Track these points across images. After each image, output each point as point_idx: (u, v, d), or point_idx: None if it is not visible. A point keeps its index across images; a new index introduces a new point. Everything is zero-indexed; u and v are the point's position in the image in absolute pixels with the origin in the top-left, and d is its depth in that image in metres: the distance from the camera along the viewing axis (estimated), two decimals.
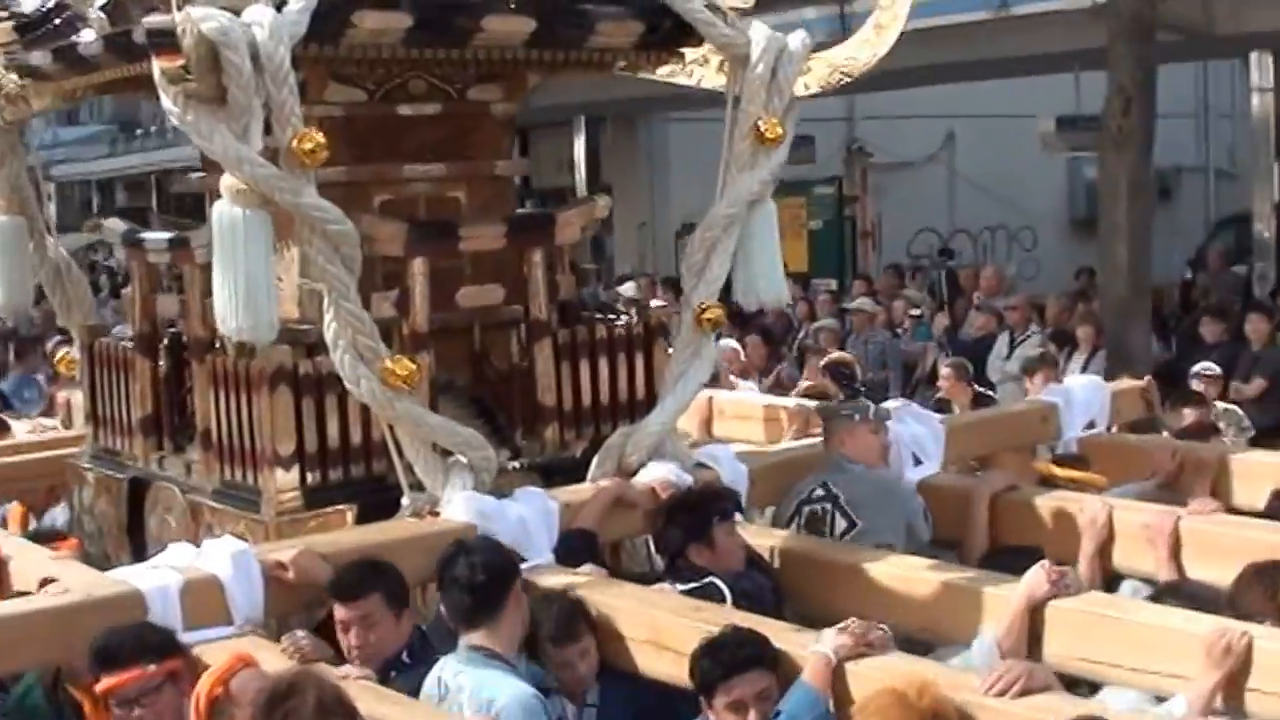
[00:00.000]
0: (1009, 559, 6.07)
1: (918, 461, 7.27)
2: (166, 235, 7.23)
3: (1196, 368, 11.45)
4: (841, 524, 6.62)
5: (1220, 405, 10.42)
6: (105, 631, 5.00)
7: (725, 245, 6.57)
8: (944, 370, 11.67)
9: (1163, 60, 17.27)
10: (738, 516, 6.26)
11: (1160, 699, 4.90)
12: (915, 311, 17.58)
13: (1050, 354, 10.81)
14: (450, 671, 5.12)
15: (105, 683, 4.86)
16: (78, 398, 9.69)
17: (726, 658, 4.86)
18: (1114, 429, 8.24)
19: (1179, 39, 18.55)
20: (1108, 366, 13.20)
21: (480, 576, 5.18)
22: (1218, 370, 11.42)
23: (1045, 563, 5.44)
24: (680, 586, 5.82)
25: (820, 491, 6.69)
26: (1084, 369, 13.65)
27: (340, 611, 5.39)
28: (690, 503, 6.13)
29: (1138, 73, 14.21)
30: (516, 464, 6.76)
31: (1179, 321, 17.64)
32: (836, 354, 13.17)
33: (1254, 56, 21.84)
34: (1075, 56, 17.66)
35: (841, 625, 4.95)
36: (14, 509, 8.51)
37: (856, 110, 26.69)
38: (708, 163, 7.00)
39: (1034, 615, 5.28)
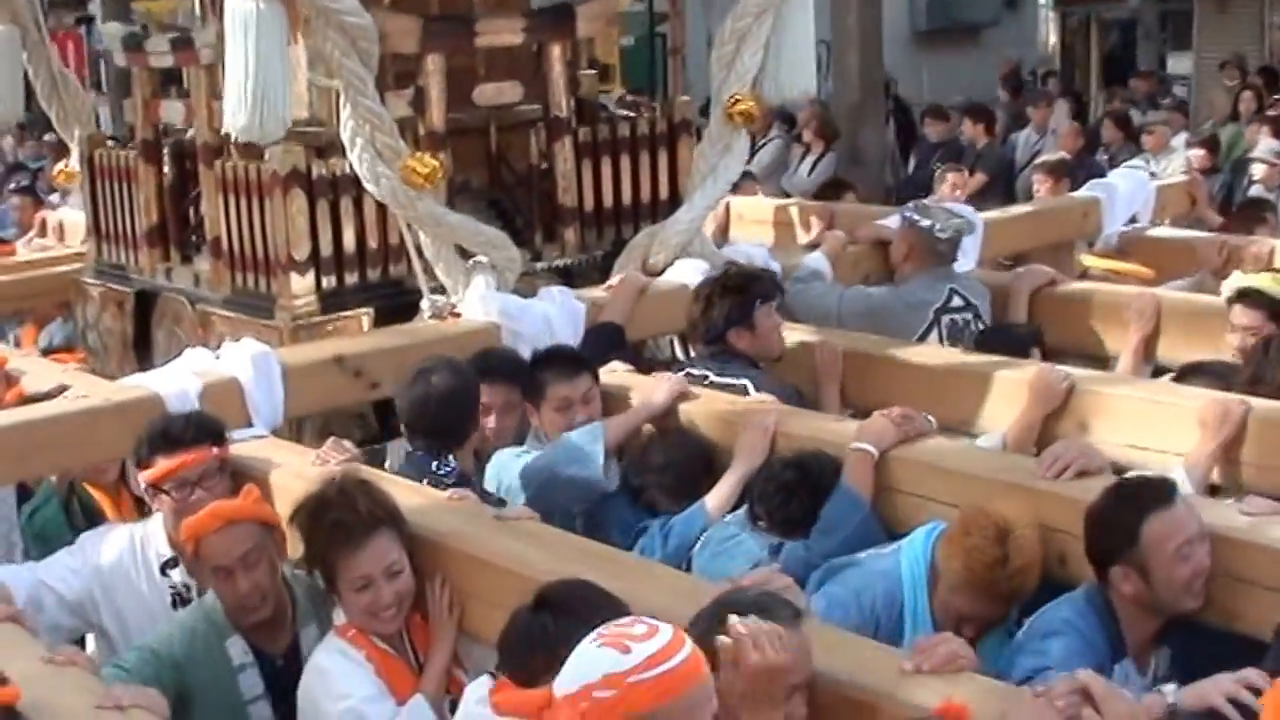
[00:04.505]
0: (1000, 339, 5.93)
1: None
2: (168, 36, 6.96)
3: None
4: None
5: None
6: (161, 417, 4.85)
7: (757, 34, 6.29)
8: None
9: None
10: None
11: None
12: None
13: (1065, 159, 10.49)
14: None
15: (164, 465, 4.61)
16: (66, 216, 9.50)
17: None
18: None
19: None
20: (840, 167, 13.69)
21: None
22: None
23: (1044, 365, 5.23)
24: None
25: (959, 301, 6.35)
26: (812, 170, 14.10)
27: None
28: (732, 284, 5.73)
29: None
30: (537, 266, 6.57)
31: None
32: None
33: None
34: None
35: (882, 412, 4.72)
36: (27, 329, 8.39)
37: None
38: None
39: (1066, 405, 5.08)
